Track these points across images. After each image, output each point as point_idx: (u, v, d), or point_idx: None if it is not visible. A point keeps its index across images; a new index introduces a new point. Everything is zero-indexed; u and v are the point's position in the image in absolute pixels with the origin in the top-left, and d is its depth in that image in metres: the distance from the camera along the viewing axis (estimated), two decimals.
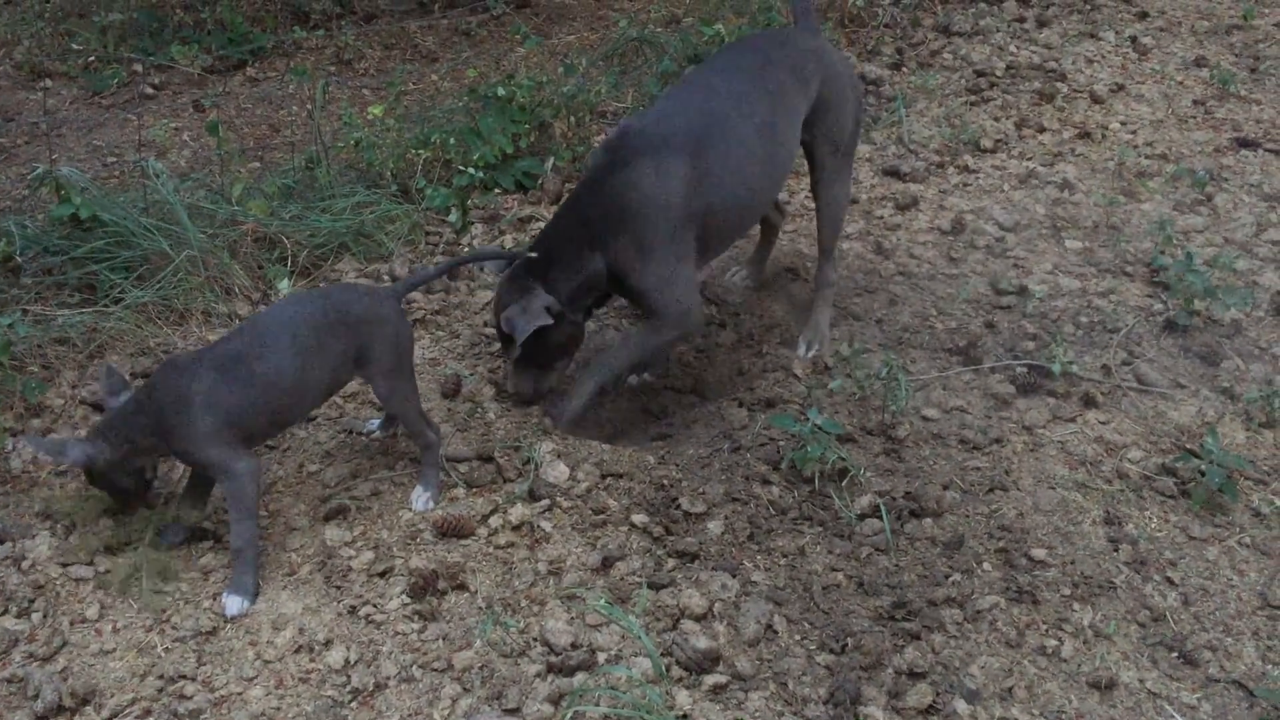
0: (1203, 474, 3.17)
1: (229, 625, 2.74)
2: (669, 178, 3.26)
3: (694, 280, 3.40)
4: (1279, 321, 3.93)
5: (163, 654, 2.68)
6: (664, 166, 3.26)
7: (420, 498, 3.06)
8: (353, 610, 2.77)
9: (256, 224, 3.98)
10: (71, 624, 2.75)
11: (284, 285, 3.86)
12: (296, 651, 2.68)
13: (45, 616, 2.76)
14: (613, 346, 3.52)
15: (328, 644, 2.69)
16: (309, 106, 5.06)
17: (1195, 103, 5.38)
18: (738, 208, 3.44)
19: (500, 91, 4.67)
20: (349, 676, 2.62)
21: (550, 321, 3.26)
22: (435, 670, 2.64)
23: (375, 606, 2.77)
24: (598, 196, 3.31)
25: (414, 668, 2.64)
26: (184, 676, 2.62)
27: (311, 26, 6.21)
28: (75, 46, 5.85)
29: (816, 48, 3.67)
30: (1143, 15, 6.24)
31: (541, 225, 4.32)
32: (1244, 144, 5.02)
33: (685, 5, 6.28)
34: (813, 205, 4.54)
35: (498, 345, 3.72)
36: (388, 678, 2.62)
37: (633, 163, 3.27)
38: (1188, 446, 3.36)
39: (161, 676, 2.61)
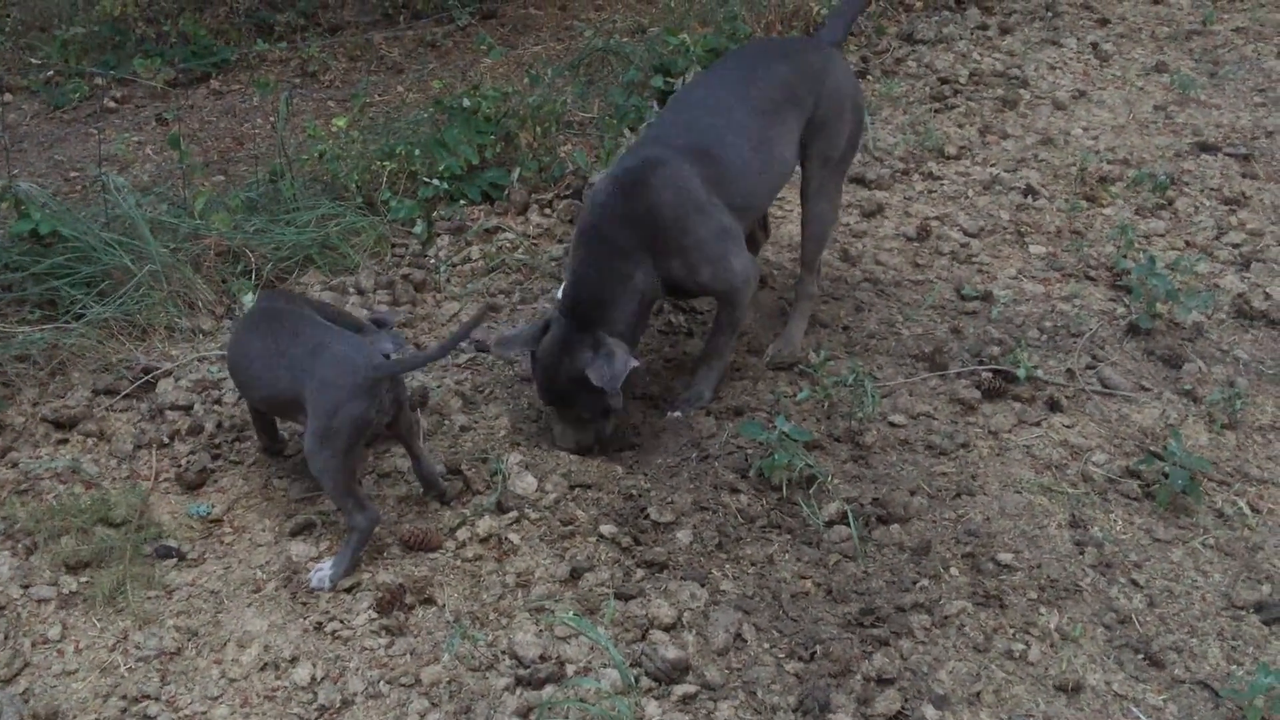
0: (1166, 476, 3.19)
1: (192, 644, 2.72)
2: (686, 180, 3.31)
3: (735, 243, 3.42)
4: (1240, 324, 3.97)
5: (126, 674, 2.65)
6: (677, 173, 3.31)
7: (319, 572, 2.84)
8: (319, 626, 2.75)
9: (220, 238, 3.95)
10: (33, 645, 2.71)
11: (248, 299, 3.84)
12: (262, 669, 2.66)
13: (6, 638, 2.72)
14: (710, 338, 3.59)
15: (294, 661, 2.67)
16: (273, 119, 5.03)
17: (1156, 108, 5.43)
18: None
19: (466, 102, 4.66)
20: (315, 693, 2.60)
21: (638, 364, 3.26)
22: (403, 685, 2.62)
23: (342, 622, 2.75)
24: (626, 221, 3.30)
25: (381, 683, 2.62)
26: (148, 696, 2.59)
27: (275, 39, 6.19)
28: (35, 61, 5.80)
29: (818, 67, 3.62)
30: (1104, 22, 6.31)
31: (508, 236, 4.33)
32: (1204, 148, 5.07)
33: (651, 15, 6.30)
34: (777, 214, 4.58)
35: (474, 354, 3.71)
36: (355, 694, 2.60)
37: (652, 180, 3.30)
38: (1151, 449, 3.39)
39: (125, 697, 2.58)
